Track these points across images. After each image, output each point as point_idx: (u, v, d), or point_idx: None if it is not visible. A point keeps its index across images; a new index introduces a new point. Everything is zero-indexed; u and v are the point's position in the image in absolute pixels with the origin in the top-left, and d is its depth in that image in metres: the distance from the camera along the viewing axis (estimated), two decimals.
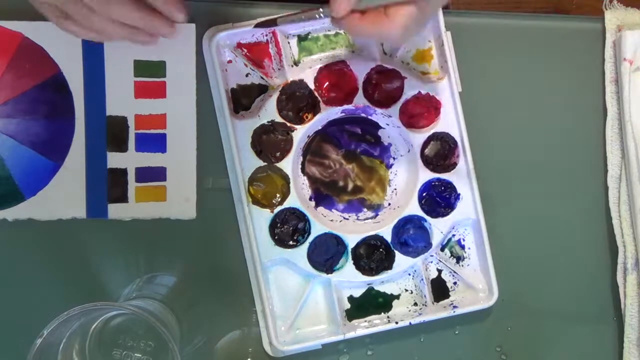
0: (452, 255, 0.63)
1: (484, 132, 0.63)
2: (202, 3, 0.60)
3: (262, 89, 0.61)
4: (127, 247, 0.62)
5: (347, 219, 0.63)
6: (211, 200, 0.62)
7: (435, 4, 0.50)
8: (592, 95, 0.65)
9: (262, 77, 0.61)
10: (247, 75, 0.61)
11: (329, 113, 0.61)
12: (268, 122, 0.60)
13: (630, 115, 0.62)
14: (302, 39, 0.61)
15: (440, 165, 0.62)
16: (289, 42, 0.61)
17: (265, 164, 0.61)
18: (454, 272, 0.63)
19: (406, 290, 0.63)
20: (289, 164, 0.61)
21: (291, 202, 0.61)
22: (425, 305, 0.62)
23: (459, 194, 0.61)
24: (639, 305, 0.62)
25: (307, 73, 0.60)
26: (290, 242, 0.61)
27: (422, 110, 0.61)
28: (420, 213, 0.61)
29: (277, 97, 0.60)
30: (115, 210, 0.61)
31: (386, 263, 0.62)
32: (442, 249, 0.63)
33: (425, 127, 0.62)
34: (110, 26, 0.51)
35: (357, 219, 0.63)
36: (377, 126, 0.63)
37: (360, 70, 0.60)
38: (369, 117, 0.62)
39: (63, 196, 0.61)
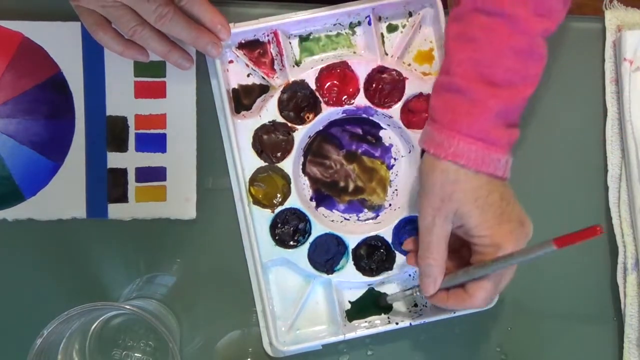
0: None
1: None
2: None
3: (263, 89, 0.61)
4: (127, 247, 0.62)
5: (348, 219, 0.63)
6: (211, 200, 0.62)
7: (508, 275, 0.55)
8: (592, 95, 0.65)
9: (263, 77, 0.61)
10: (248, 76, 0.61)
11: (330, 113, 0.61)
12: (269, 122, 0.60)
13: (631, 115, 0.62)
14: (303, 39, 0.61)
15: None
16: (290, 43, 0.61)
17: (266, 164, 0.61)
18: None
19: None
20: (290, 164, 0.61)
21: (292, 202, 0.61)
22: (426, 306, 0.62)
23: None
24: (639, 305, 0.62)
25: (308, 73, 0.60)
26: (291, 243, 0.61)
27: (423, 110, 0.61)
28: None
29: (278, 97, 0.60)
30: (115, 210, 0.61)
31: (387, 264, 0.62)
32: None
33: None
34: (153, 41, 0.54)
35: (358, 220, 0.63)
36: (378, 127, 0.63)
37: (362, 71, 0.60)
38: (370, 117, 0.62)
39: (63, 196, 0.61)
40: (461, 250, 0.56)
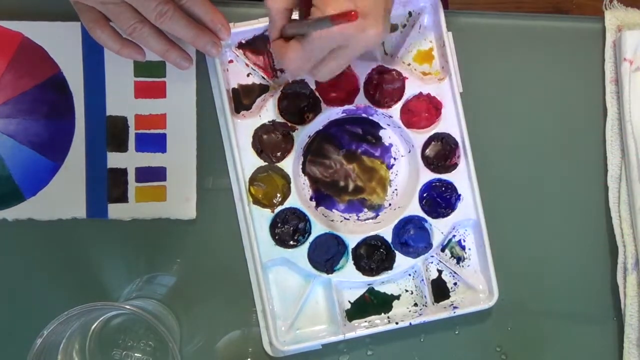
0: (452, 256, 0.63)
1: (485, 133, 0.63)
2: None
3: (263, 89, 0.61)
4: (127, 247, 0.62)
5: (348, 219, 0.63)
6: (211, 200, 0.62)
7: (331, 60, 0.50)
8: (592, 95, 0.65)
9: (263, 77, 0.61)
10: (248, 75, 0.61)
11: (330, 113, 0.61)
12: (269, 121, 0.60)
13: (631, 115, 0.62)
14: None
15: (441, 165, 0.62)
16: None
17: (266, 163, 0.61)
18: (455, 272, 0.63)
19: (406, 291, 0.63)
20: (290, 164, 0.61)
21: (292, 202, 0.61)
22: (426, 306, 0.62)
23: (460, 195, 0.61)
24: (639, 305, 0.62)
25: None
26: (291, 242, 0.61)
27: (423, 110, 0.61)
28: (421, 213, 0.61)
29: (278, 97, 0.60)
30: (115, 210, 0.61)
31: (386, 263, 0.62)
32: (443, 250, 0.63)
33: (426, 127, 0.62)
34: (152, 40, 0.54)
35: (358, 219, 0.63)
36: (378, 126, 0.63)
37: (362, 71, 0.60)
38: (370, 117, 0.62)
39: (63, 196, 0.61)
40: None
